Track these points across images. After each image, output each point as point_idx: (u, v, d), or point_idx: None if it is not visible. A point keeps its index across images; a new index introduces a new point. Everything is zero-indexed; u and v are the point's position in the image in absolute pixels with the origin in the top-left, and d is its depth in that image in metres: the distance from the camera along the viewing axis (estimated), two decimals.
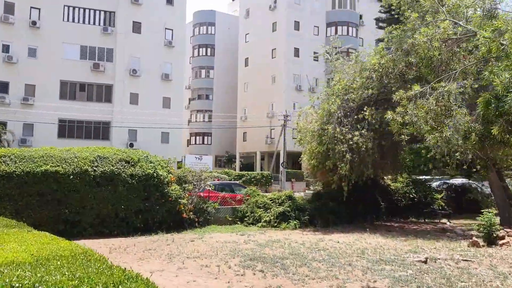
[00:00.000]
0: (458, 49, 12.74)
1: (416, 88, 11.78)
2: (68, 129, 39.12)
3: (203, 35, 64.09)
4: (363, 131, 16.72)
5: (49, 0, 38.89)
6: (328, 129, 16.96)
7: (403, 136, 13.24)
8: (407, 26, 14.58)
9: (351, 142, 16.55)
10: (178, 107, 44.89)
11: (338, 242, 13.84)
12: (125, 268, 4.20)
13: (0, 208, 13.00)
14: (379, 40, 32.43)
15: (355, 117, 17.29)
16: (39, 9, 38.63)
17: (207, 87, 63.73)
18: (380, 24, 35.10)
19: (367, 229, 16.54)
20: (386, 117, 12.74)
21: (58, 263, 4.33)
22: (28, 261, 4.39)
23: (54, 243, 5.55)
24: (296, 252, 11.81)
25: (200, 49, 64.26)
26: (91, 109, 38.90)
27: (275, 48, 53.25)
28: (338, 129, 16.75)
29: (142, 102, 41.83)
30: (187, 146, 61.70)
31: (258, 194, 18.75)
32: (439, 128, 11.30)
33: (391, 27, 18.10)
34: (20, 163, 13.72)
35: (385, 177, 21.80)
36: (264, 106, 52.89)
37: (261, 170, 50.93)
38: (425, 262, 11.00)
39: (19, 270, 3.95)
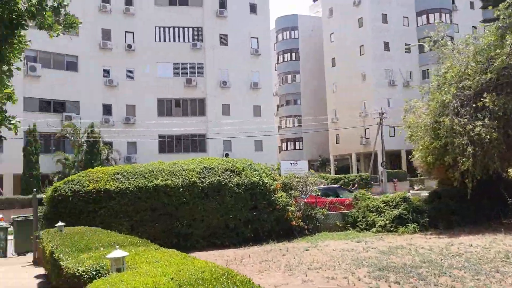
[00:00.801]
0: None
1: None
2: (168, 144, 40.62)
3: (286, 41, 63.82)
4: (485, 121, 14.91)
5: (141, 23, 40.87)
6: (444, 121, 15.34)
7: None
8: None
9: (472, 134, 14.82)
10: (268, 115, 44.88)
11: (471, 245, 12.28)
12: None
13: (117, 224, 13.17)
14: (487, 21, 29.60)
15: (473, 105, 15.49)
16: (133, 32, 40.73)
17: (294, 92, 63.20)
18: (485, 2, 32.13)
19: (502, 229, 14.65)
20: None
21: None
22: (171, 287, 3.89)
23: (188, 263, 5.07)
24: (428, 259, 10.55)
25: (285, 55, 64.03)
26: (187, 123, 40.08)
27: (362, 45, 51.34)
28: (456, 121, 15.08)
29: (233, 113, 42.33)
30: (279, 152, 61.52)
31: (368, 198, 17.54)
32: None
33: (505, 2, 16.20)
34: (132, 179, 13.93)
35: (509, 170, 19.40)
36: (355, 105, 51.10)
37: (358, 172, 49.09)
38: None
39: None
